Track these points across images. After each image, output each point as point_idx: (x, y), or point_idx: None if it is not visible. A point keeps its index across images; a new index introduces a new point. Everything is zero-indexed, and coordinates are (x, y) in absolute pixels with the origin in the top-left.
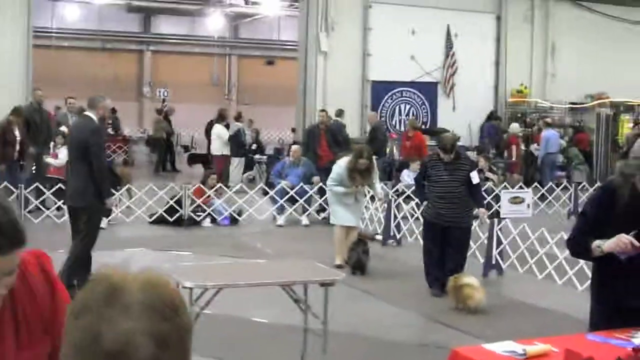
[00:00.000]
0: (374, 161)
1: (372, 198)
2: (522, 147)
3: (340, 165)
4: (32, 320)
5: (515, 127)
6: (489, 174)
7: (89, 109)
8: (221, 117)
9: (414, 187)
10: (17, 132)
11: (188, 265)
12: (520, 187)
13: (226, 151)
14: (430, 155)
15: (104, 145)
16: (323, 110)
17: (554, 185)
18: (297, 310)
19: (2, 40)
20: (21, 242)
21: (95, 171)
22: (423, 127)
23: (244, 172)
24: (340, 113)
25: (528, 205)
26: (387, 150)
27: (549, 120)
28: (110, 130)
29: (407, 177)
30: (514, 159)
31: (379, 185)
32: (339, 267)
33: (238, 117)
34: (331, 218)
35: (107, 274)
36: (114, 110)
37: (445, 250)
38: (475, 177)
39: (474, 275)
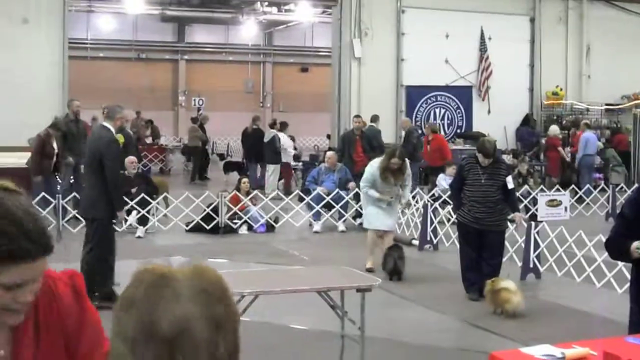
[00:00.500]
0: (407, 162)
1: (408, 202)
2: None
3: (373, 165)
4: (55, 337)
5: (554, 129)
6: (528, 179)
7: (106, 120)
8: (282, 126)
9: (449, 192)
10: (54, 145)
11: (224, 272)
12: (558, 190)
13: (290, 159)
14: (466, 158)
15: (118, 156)
16: (358, 116)
17: (591, 188)
18: (334, 317)
19: (38, 52)
20: (48, 249)
21: (108, 182)
22: (458, 131)
23: (280, 179)
24: (375, 119)
25: (565, 208)
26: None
27: (587, 121)
28: (147, 140)
29: (443, 181)
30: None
31: (409, 190)
32: (369, 270)
33: (273, 125)
34: (364, 221)
35: (151, 267)
36: (151, 121)
37: (481, 254)
38: (510, 182)
39: (511, 279)
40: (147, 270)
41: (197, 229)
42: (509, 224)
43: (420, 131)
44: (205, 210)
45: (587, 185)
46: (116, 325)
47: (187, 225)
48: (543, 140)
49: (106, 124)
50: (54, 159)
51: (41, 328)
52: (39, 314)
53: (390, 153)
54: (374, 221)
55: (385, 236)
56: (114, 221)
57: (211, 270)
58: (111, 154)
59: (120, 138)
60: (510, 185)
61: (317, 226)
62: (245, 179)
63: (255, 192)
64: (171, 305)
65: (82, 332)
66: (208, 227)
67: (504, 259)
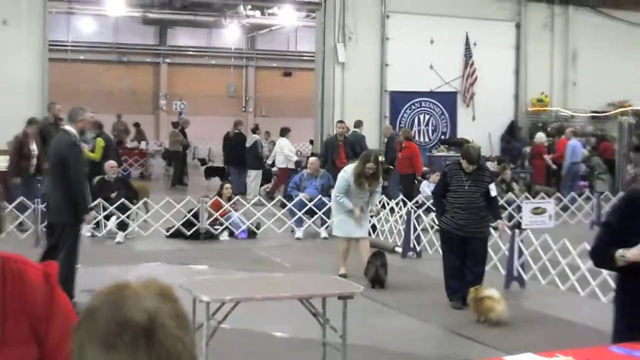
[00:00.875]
0: (381, 167)
1: (392, 209)
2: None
3: (347, 171)
4: (21, 319)
5: (541, 136)
6: (513, 185)
7: (68, 122)
8: (284, 131)
9: (433, 199)
10: (33, 146)
11: (205, 279)
12: (542, 198)
13: (290, 164)
14: (450, 165)
15: (81, 159)
16: (341, 122)
17: (576, 195)
18: (316, 324)
19: (18, 54)
20: None
21: (72, 187)
22: (442, 137)
23: (262, 185)
24: (358, 124)
25: (550, 216)
26: None
27: (573, 129)
28: (133, 143)
29: (427, 188)
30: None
31: (378, 197)
32: (342, 276)
33: (255, 130)
34: (335, 229)
35: (108, 286)
36: (137, 124)
37: (465, 261)
38: (493, 190)
39: (495, 287)
40: (103, 287)
41: (177, 234)
42: (492, 231)
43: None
44: (186, 215)
45: (572, 193)
46: (81, 333)
47: (167, 231)
48: (528, 148)
49: (68, 127)
50: (34, 160)
51: (7, 312)
52: (6, 299)
53: (365, 158)
54: (345, 228)
55: (361, 243)
56: (81, 226)
57: (159, 281)
58: (73, 157)
59: (100, 142)
60: (494, 193)
61: (299, 233)
62: (227, 185)
63: (237, 197)
64: (138, 300)
65: (51, 320)
66: (189, 233)
67: (487, 267)
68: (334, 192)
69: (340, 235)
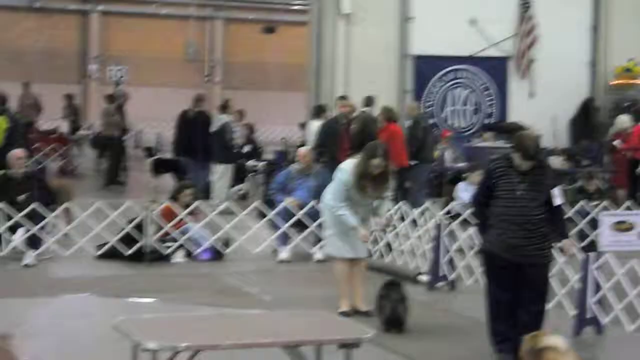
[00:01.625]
0: (391, 164)
1: (414, 221)
2: None
3: (345, 170)
4: None
5: (623, 120)
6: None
7: None
8: (319, 112)
9: (472, 208)
10: None
11: (152, 318)
12: (628, 207)
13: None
14: (497, 160)
15: None
16: (344, 98)
17: None
18: None
19: None
20: None
21: None
22: (487, 121)
23: (233, 186)
24: (369, 102)
25: None
26: (435, 154)
27: None
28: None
29: (464, 192)
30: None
31: (387, 205)
32: (345, 314)
33: (224, 108)
34: (329, 247)
35: None
36: (70, 96)
37: (517, 297)
38: (558, 196)
39: (560, 333)
40: None
41: (112, 254)
42: (555, 255)
43: (431, 121)
44: (124, 228)
45: None
46: None
47: (98, 250)
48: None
49: None
50: None
51: None
52: None
53: (370, 152)
54: (343, 246)
55: (356, 265)
56: None
57: None
58: None
59: (2, 123)
60: (558, 201)
61: (283, 253)
62: (188, 189)
63: (197, 203)
64: None
65: None
66: (128, 253)
67: (549, 305)
68: (327, 199)
69: (336, 256)
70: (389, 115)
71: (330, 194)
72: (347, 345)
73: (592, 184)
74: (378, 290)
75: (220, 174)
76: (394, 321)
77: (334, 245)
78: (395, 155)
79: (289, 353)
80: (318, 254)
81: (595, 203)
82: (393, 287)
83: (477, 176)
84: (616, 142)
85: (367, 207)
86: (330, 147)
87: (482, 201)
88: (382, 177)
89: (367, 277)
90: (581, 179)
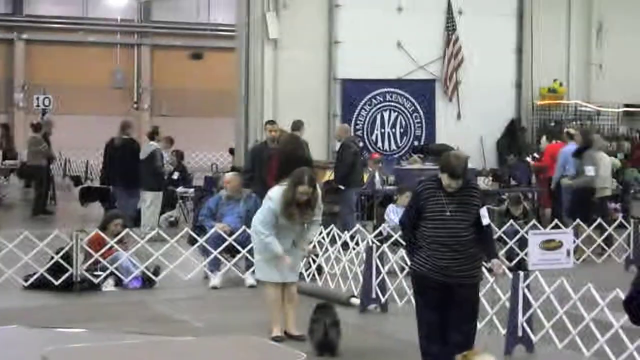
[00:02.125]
0: (319, 190)
1: (345, 244)
2: None
3: (272, 198)
4: None
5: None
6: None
7: None
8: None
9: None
10: None
11: (80, 347)
12: (556, 226)
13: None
14: (424, 182)
15: None
16: (272, 122)
17: (604, 223)
18: None
19: None
20: None
21: None
22: (416, 143)
23: (162, 212)
24: (298, 126)
25: (568, 252)
26: (365, 177)
27: (571, 129)
28: None
29: (394, 214)
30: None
31: (315, 229)
32: (277, 339)
33: (153, 135)
34: (257, 272)
35: None
36: (5, 125)
37: (448, 317)
38: (485, 216)
39: (491, 352)
40: None
41: (41, 284)
42: (486, 274)
43: (361, 144)
44: (53, 257)
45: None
46: None
47: (26, 280)
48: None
49: None
50: None
51: None
52: None
53: (297, 179)
54: (272, 271)
55: (287, 289)
56: None
57: None
58: None
59: None
60: (486, 221)
61: (215, 279)
62: (117, 219)
63: (126, 231)
64: None
65: None
66: (57, 283)
67: (480, 324)
68: (256, 226)
69: (265, 280)
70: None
71: (258, 220)
72: None
73: (518, 208)
74: (310, 313)
75: (149, 201)
76: (326, 345)
77: (263, 270)
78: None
79: None
80: (250, 279)
81: (520, 222)
82: (325, 310)
83: (405, 198)
84: (529, 159)
85: (296, 232)
86: (259, 172)
87: (411, 223)
88: (309, 204)
89: (299, 301)
90: (508, 202)
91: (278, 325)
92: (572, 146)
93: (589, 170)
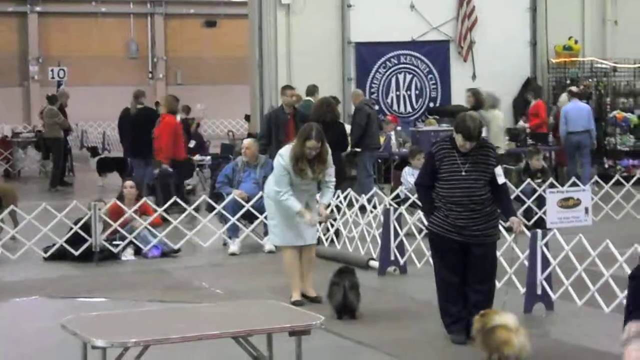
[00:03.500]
0: (327, 147)
1: (362, 208)
2: None
3: (283, 155)
4: None
5: (565, 100)
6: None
7: None
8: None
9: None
10: None
11: (99, 315)
12: (574, 184)
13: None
14: (438, 142)
15: None
16: (289, 88)
17: (621, 179)
18: None
19: None
20: None
21: None
22: (431, 104)
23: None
24: (312, 90)
25: (586, 210)
26: (381, 140)
27: (574, 88)
28: None
29: (410, 176)
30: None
31: (330, 194)
32: (297, 303)
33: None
34: (273, 237)
35: None
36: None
37: (466, 277)
38: (500, 175)
39: (510, 310)
40: None
41: (61, 256)
42: (503, 232)
43: (376, 107)
44: (72, 228)
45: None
46: None
47: (45, 252)
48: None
49: None
50: None
51: None
52: None
53: (305, 134)
54: (288, 234)
55: (305, 252)
56: None
57: None
58: None
59: None
60: (501, 179)
61: (233, 246)
62: (129, 182)
63: (145, 200)
64: None
65: None
66: (77, 253)
67: (499, 283)
68: (270, 186)
69: (282, 245)
70: (171, 107)
71: (272, 181)
72: (298, 333)
73: (537, 160)
74: (330, 277)
75: None
76: (346, 307)
77: (279, 234)
78: (166, 148)
79: (239, 343)
80: (268, 245)
81: (539, 181)
82: (343, 274)
83: (417, 160)
84: (521, 121)
85: (309, 192)
86: (275, 137)
87: (427, 184)
88: (319, 159)
89: (317, 264)
90: (527, 156)
91: (297, 290)
92: (575, 104)
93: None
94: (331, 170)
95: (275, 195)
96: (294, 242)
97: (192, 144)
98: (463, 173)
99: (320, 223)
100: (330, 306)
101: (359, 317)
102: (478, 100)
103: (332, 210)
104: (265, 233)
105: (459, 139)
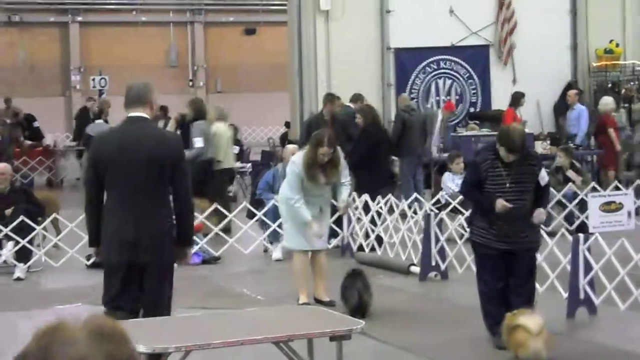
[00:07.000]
0: (340, 151)
1: (403, 214)
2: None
3: (296, 161)
4: None
5: (608, 101)
6: (570, 174)
7: None
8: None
9: (460, 197)
10: None
11: (141, 321)
12: (617, 188)
13: None
14: (483, 152)
15: None
16: (337, 98)
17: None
18: None
19: None
20: None
21: None
22: (472, 109)
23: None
24: (357, 98)
25: (629, 214)
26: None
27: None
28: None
29: (450, 182)
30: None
31: (346, 191)
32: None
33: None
34: (286, 240)
35: (43, 325)
36: (28, 118)
37: (508, 282)
38: (544, 178)
39: (555, 314)
40: (39, 328)
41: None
42: (545, 237)
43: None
44: None
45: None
46: None
47: (88, 259)
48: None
49: None
50: None
51: None
52: None
53: (316, 140)
54: (299, 238)
55: (315, 257)
56: None
57: (105, 318)
58: None
59: None
60: (544, 181)
61: (276, 252)
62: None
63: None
64: (65, 347)
65: None
66: None
67: (541, 288)
68: (285, 191)
69: (294, 249)
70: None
71: (285, 186)
72: (338, 337)
73: (567, 158)
74: (342, 280)
75: None
76: (361, 308)
77: (291, 237)
78: None
79: (280, 348)
80: (275, 253)
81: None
82: (355, 276)
83: (457, 164)
84: (612, 132)
85: (323, 197)
86: None
87: (474, 196)
88: (332, 165)
89: (328, 267)
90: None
91: (305, 292)
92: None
93: (198, 142)
94: (345, 172)
95: (288, 201)
96: (304, 247)
97: (236, 150)
98: (507, 185)
99: (340, 217)
100: (346, 309)
101: (402, 322)
102: (198, 111)
103: (347, 205)
104: (271, 242)
105: (502, 151)
